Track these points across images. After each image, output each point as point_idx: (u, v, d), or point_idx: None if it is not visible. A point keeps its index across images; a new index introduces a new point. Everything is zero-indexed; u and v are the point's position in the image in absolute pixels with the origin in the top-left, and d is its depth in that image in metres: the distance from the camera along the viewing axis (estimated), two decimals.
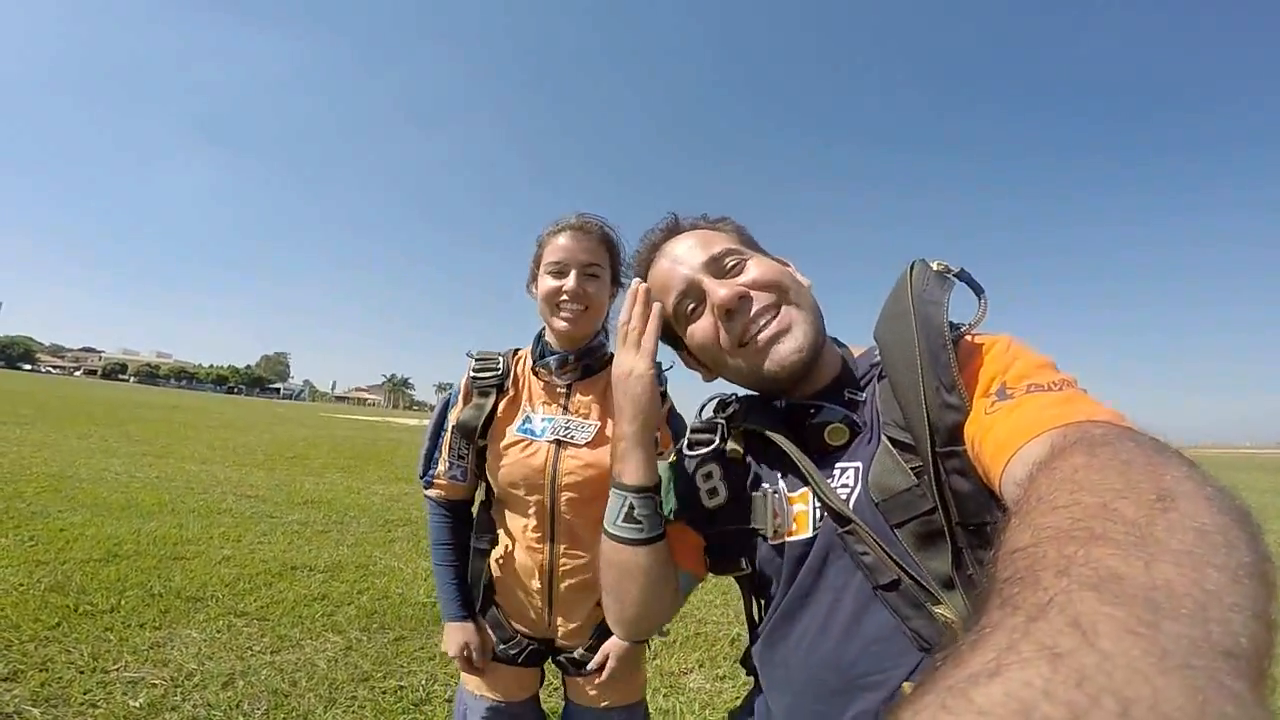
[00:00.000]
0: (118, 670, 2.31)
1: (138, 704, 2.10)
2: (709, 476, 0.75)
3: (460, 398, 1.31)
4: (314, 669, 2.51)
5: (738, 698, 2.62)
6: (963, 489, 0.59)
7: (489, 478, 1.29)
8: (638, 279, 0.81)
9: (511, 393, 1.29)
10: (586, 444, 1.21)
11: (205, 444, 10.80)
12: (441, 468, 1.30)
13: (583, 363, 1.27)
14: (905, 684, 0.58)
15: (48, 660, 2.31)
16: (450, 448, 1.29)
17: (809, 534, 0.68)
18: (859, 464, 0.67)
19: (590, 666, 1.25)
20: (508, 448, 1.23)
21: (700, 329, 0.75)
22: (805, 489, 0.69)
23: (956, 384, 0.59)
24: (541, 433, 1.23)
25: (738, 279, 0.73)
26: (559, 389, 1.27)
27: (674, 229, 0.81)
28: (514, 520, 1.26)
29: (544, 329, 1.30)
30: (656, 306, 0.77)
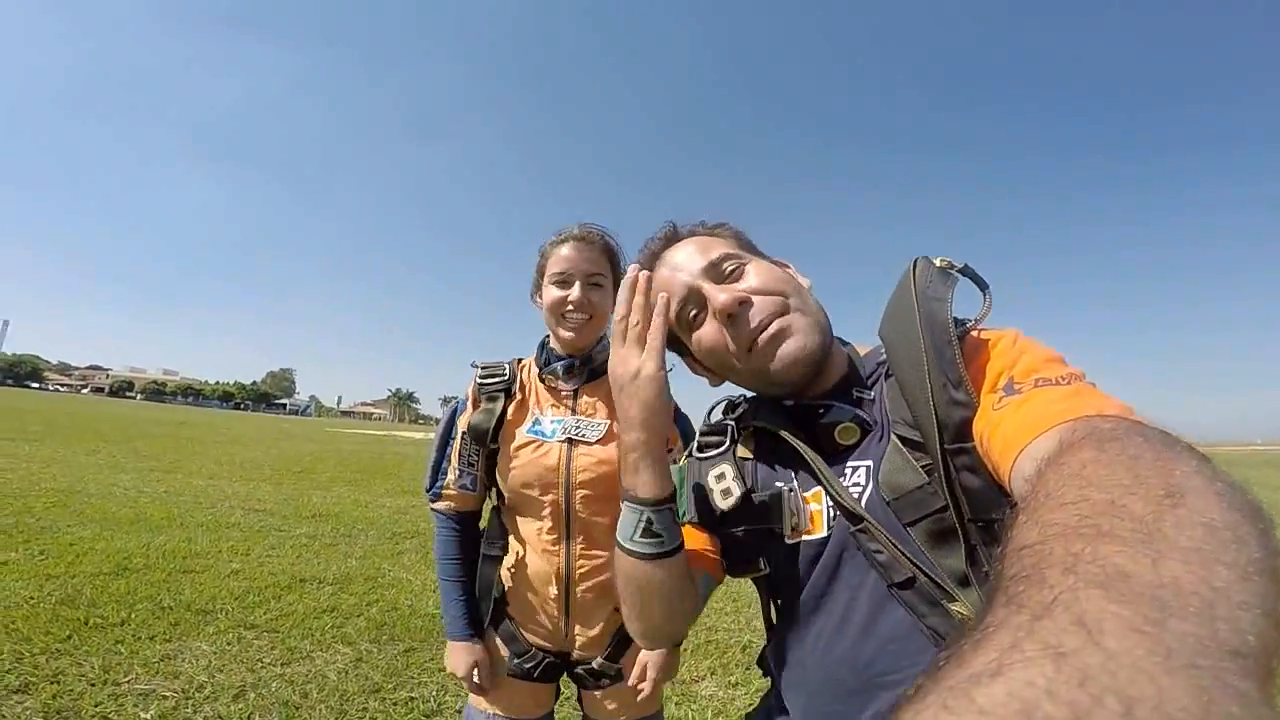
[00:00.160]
0: (129, 682, 2.31)
1: (149, 716, 2.10)
2: (721, 477, 0.74)
3: (469, 404, 1.31)
4: (324, 681, 2.51)
5: (750, 704, 2.59)
6: (973, 486, 0.58)
7: (500, 482, 1.28)
8: (635, 265, 0.76)
9: (519, 397, 1.29)
10: (598, 441, 1.21)
11: (213, 459, 10.83)
12: (451, 477, 1.29)
13: (588, 367, 1.28)
14: None
15: (59, 673, 2.32)
16: (460, 455, 1.29)
17: (824, 533, 0.68)
18: (870, 463, 0.67)
19: (631, 681, 1.23)
20: (519, 449, 1.23)
21: (705, 335, 0.74)
22: (818, 488, 0.69)
23: (963, 380, 0.59)
24: (552, 433, 1.23)
25: (737, 284, 0.73)
26: (565, 393, 1.28)
27: (673, 237, 0.81)
28: (527, 524, 1.25)
29: (548, 336, 1.32)
30: (662, 298, 0.71)
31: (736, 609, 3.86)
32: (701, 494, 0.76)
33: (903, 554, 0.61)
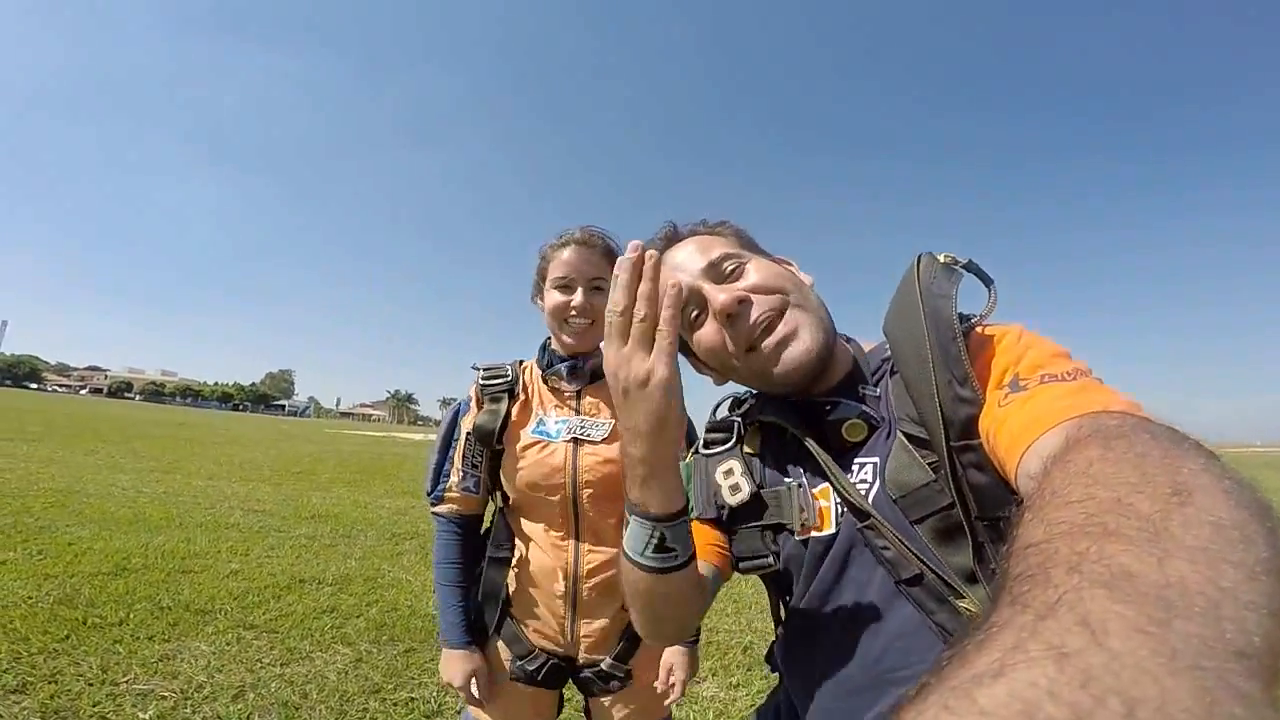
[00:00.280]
0: (127, 682, 2.31)
1: (147, 716, 2.09)
2: (730, 473, 0.74)
3: (473, 405, 1.30)
4: (324, 681, 2.50)
5: (752, 705, 2.59)
6: (980, 483, 0.58)
7: (505, 483, 1.27)
8: (636, 242, 0.60)
9: (523, 398, 1.29)
10: (603, 440, 1.21)
11: (212, 460, 10.82)
12: (454, 479, 1.28)
13: (591, 368, 1.28)
14: None
15: (57, 673, 2.31)
16: (464, 456, 1.28)
17: (832, 530, 0.67)
18: (876, 460, 0.67)
19: (658, 687, 1.23)
20: (525, 450, 1.22)
21: (706, 336, 0.74)
22: (825, 485, 0.69)
23: (969, 376, 0.58)
24: (557, 433, 1.23)
25: (738, 284, 0.72)
26: (568, 393, 1.28)
27: (673, 237, 0.80)
28: (533, 525, 1.24)
29: (549, 338, 1.31)
30: (673, 287, 0.57)
31: (737, 610, 3.86)
32: (710, 491, 0.76)
33: (910, 551, 0.60)
